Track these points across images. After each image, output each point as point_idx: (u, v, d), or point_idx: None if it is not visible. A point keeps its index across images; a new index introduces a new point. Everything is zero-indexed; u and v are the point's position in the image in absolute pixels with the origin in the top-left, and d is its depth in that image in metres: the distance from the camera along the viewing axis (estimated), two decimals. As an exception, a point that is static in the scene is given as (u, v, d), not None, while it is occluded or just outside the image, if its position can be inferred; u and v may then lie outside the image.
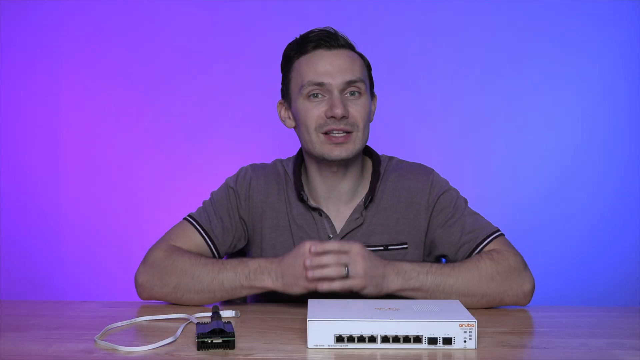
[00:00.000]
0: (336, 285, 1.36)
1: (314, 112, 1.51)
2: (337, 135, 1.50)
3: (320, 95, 1.51)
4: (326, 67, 1.51)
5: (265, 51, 2.63)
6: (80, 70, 2.67)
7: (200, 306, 1.46)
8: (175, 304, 1.48)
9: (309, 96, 1.52)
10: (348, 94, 1.52)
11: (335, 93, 1.50)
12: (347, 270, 1.36)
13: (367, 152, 1.66)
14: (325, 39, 1.52)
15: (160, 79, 2.67)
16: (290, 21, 2.61)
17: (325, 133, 1.51)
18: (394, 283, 1.40)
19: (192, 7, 2.65)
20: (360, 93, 1.53)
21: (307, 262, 1.35)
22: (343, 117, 1.49)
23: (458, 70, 2.64)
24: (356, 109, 1.51)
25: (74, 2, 2.64)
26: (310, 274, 1.35)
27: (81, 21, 2.66)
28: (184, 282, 1.46)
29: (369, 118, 1.56)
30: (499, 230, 1.56)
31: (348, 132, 1.51)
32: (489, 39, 2.63)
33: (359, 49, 1.60)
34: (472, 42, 2.63)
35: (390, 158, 1.67)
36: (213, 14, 2.66)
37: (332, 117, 1.49)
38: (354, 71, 1.52)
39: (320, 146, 1.52)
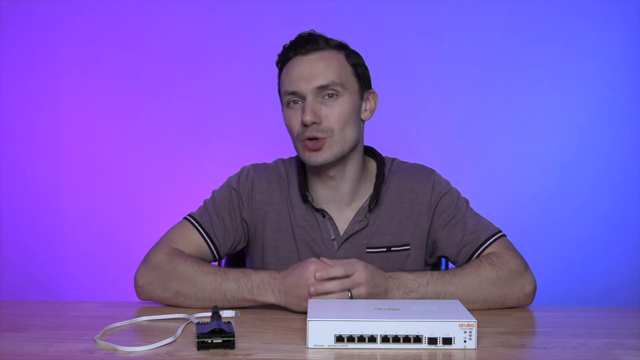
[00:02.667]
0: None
1: (293, 120, 1.53)
2: (312, 141, 1.50)
3: (299, 102, 1.52)
4: (299, 73, 1.51)
5: (265, 51, 2.62)
6: (80, 70, 2.67)
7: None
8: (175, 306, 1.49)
9: (289, 104, 1.54)
10: (326, 97, 1.51)
11: (309, 99, 1.50)
12: (351, 294, 1.37)
13: (371, 153, 1.65)
14: (302, 44, 1.53)
15: (160, 79, 2.67)
16: (290, 21, 2.61)
17: (303, 140, 1.52)
18: (395, 297, 1.41)
19: (192, 7, 2.65)
20: (337, 95, 1.51)
21: (312, 290, 1.35)
22: (314, 123, 1.49)
23: (458, 70, 2.64)
24: (330, 112, 1.50)
25: (74, 2, 2.65)
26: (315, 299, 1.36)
27: (81, 21, 2.66)
28: (185, 289, 1.45)
29: (350, 118, 1.53)
30: (500, 231, 1.56)
31: (322, 139, 1.50)
32: (489, 39, 2.63)
33: (358, 49, 1.59)
34: (472, 42, 2.63)
35: (393, 159, 1.67)
36: (213, 14, 2.66)
37: (305, 125, 1.50)
38: (327, 75, 1.50)
39: (302, 153, 1.54)
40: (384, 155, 1.66)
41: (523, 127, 2.64)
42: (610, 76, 2.61)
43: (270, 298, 1.41)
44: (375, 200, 1.58)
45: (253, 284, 1.42)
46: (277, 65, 1.60)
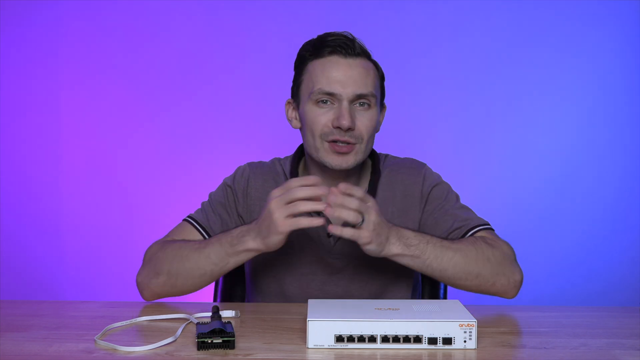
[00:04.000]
0: (347, 232, 1.34)
1: (321, 119, 1.50)
2: (341, 145, 1.49)
3: (329, 102, 1.50)
4: (339, 76, 1.48)
5: (265, 52, 2.63)
6: (81, 71, 2.67)
7: (200, 305, 1.46)
8: (175, 298, 1.49)
9: (318, 102, 1.50)
10: (357, 105, 1.50)
11: (345, 103, 1.48)
12: (363, 220, 1.33)
13: None
14: (343, 46, 1.49)
15: (159, 80, 2.68)
16: (290, 22, 2.62)
17: (330, 141, 1.50)
18: (395, 247, 1.39)
19: (192, 9, 2.66)
20: (369, 105, 1.51)
21: (332, 198, 1.31)
22: (349, 128, 1.48)
23: (458, 71, 2.65)
24: (363, 122, 1.50)
25: (74, 3, 2.65)
26: (330, 211, 1.31)
27: (82, 22, 2.66)
28: (174, 266, 1.46)
29: (374, 130, 1.54)
30: (489, 224, 1.56)
31: (352, 144, 1.50)
32: (489, 40, 2.64)
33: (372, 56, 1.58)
34: (472, 43, 2.64)
35: (385, 155, 1.68)
36: (213, 15, 2.66)
37: (338, 127, 1.48)
38: (367, 84, 1.50)
39: (324, 154, 1.51)
40: (377, 152, 1.67)
41: (523, 127, 2.65)
42: (610, 77, 2.62)
43: (249, 243, 1.39)
44: (372, 196, 1.57)
45: (232, 235, 1.42)
46: (301, 56, 1.55)
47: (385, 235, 1.38)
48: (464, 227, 1.54)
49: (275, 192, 1.35)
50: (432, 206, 1.59)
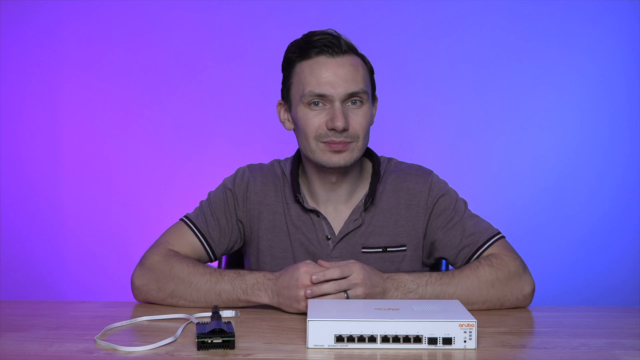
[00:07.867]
0: (341, 295, 1.37)
1: (315, 121, 1.50)
2: (336, 144, 1.49)
3: (321, 104, 1.50)
4: (329, 77, 1.48)
5: (264, 51, 2.63)
6: (80, 70, 2.67)
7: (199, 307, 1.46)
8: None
9: (310, 104, 1.50)
10: (350, 103, 1.50)
11: (337, 104, 1.48)
12: (347, 295, 1.37)
13: (367, 152, 1.65)
14: (329, 45, 1.49)
15: (159, 80, 2.68)
16: (289, 22, 2.62)
17: (325, 142, 1.50)
18: (394, 297, 1.40)
19: (191, 9, 2.66)
20: (362, 102, 1.51)
21: (308, 292, 1.35)
22: (344, 129, 1.48)
23: (457, 70, 2.65)
24: (357, 120, 1.50)
25: (74, 2, 2.65)
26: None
27: (81, 22, 2.66)
28: (180, 290, 1.46)
29: (369, 126, 1.54)
30: (499, 233, 1.56)
31: (347, 142, 1.50)
32: (488, 39, 2.63)
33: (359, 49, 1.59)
34: (471, 42, 2.63)
35: (390, 159, 1.67)
36: (212, 15, 2.66)
37: (333, 129, 1.48)
38: (357, 82, 1.49)
39: (320, 154, 1.51)
40: (379, 155, 1.66)
41: (523, 127, 2.64)
42: (610, 76, 2.61)
43: (264, 299, 1.41)
44: (370, 199, 1.58)
45: (247, 284, 1.42)
46: (288, 58, 1.54)
47: (381, 291, 1.39)
48: (472, 245, 1.54)
49: (311, 274, 1.36)
50: (441, 219, 1.58)
